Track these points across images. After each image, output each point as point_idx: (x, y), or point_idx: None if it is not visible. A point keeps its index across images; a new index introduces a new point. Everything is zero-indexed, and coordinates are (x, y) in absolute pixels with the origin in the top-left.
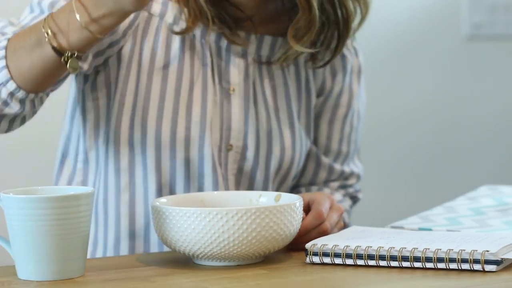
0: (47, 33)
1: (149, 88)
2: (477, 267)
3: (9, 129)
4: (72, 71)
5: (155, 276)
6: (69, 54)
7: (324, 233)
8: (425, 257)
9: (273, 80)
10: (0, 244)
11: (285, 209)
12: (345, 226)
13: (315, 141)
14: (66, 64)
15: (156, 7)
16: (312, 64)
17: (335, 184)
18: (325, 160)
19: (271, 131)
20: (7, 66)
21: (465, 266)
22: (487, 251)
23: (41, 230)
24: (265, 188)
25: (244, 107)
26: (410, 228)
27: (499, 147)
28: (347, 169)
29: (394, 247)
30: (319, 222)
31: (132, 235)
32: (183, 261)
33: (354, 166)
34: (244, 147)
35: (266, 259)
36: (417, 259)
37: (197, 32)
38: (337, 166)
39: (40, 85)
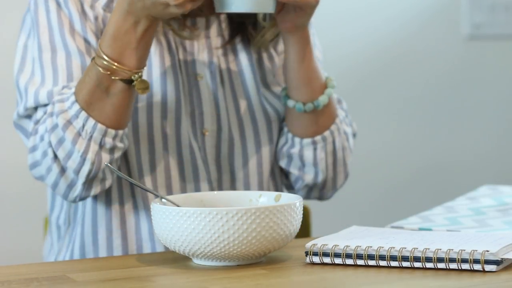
0: (109, 73)
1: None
2: (477, 267)
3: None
4: (142, 92)
5: (155, 276)
6: (136, 78)
7: None
8: (425, 257)
9: (238, 56)
10: None
11: (285, 209)
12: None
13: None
14: (135, 88)
15: None
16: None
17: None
18: None
19: (240, 109)
20: (96, 122)
21: (465, 266)
22: (487, 251)
23: None
24: (246, 172)
25: (213, 90)
26: (410, 228)
27: (499, 147)
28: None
29: (394, 247)
30: None
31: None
32: (183, 261)
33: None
34: (218, 129)
35: (266, 259)
36: (417, 259)
37: (159, 27)
38: None
39: (126, 120)
